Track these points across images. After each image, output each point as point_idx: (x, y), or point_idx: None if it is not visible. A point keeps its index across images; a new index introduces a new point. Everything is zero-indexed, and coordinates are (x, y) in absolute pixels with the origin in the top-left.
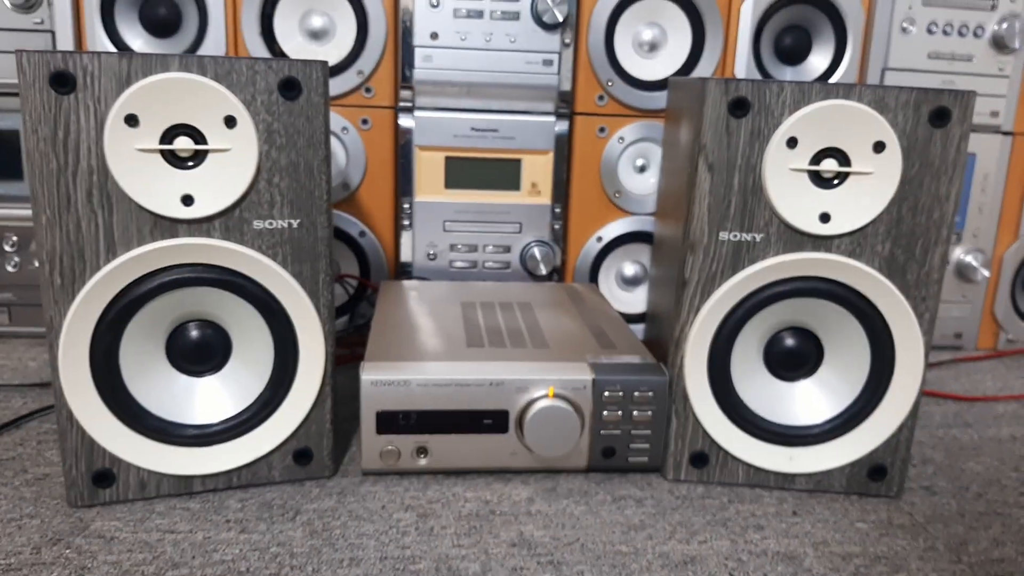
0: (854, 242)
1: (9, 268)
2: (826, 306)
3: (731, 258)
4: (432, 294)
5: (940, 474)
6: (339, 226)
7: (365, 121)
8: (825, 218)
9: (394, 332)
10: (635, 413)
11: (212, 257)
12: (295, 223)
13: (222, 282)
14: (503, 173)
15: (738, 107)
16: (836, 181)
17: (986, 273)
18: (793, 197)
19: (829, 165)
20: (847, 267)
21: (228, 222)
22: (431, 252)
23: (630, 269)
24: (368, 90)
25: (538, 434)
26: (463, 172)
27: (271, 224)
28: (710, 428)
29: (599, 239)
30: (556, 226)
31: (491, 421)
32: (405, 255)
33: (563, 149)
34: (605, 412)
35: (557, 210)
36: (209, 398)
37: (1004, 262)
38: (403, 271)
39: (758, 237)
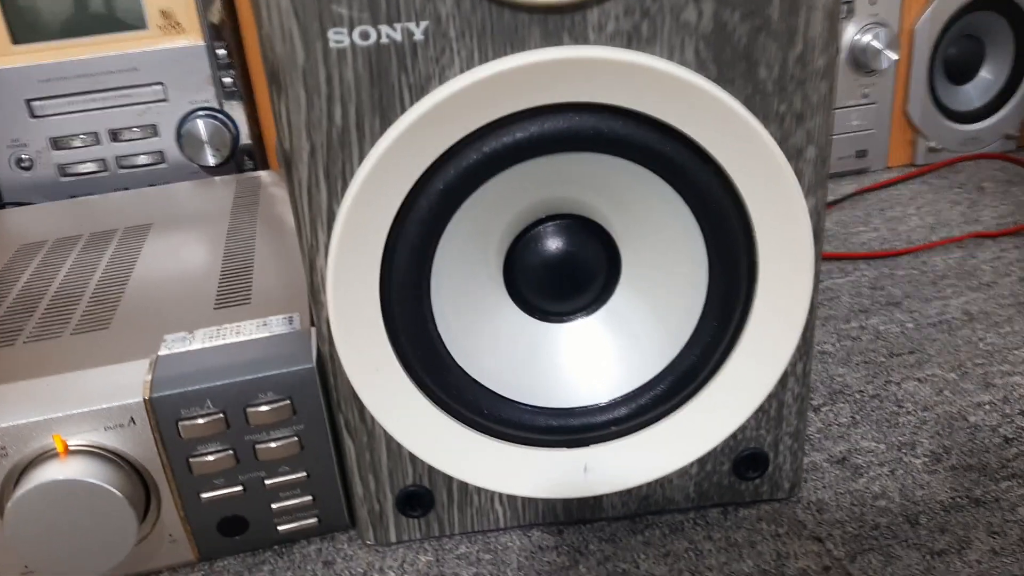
0: (632, 9)
1: None
2: (607, 164)
3: (369, 90)
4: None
5: (865, 421)
6: None
7: None
8: None
9: None
10: (262, 444)
11: None
12: None
13: None
14: (106, 2)
15: None
16: None
17: (893, 56)
18: None
19: None
20: (623, 68)
21: None
22: (22, 156)
23: None
24: None
25: (40, 540)
26: (37, 12)
27: None
28: (415, 441)
29: None
30: (227, 80)
31: None
32: None
33: None
34: (194, 457)
35: (220, 52)
36: None
37: (916, 37)
38: None
39: (417, 29)
